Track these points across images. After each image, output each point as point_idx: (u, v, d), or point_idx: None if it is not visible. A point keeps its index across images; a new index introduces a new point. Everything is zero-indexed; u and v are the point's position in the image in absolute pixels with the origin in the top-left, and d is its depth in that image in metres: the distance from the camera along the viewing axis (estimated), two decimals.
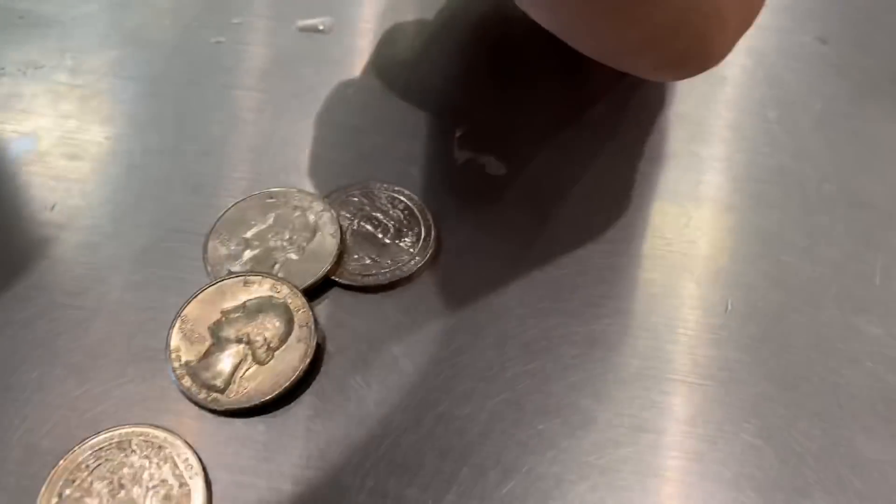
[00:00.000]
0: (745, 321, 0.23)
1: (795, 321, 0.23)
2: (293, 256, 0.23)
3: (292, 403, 0.21)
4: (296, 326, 0.22)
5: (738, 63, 0.30)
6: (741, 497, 0.20)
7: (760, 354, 0.22)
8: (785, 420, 0.21)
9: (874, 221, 0.25)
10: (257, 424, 0.21)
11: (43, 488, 0.19)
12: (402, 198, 0.25)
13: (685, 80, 0.29)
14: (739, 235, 0.25)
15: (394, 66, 0.29)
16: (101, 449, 0.20)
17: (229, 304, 0.22)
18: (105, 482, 0.19)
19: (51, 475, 0.19)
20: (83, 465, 0.19)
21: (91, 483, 0.19)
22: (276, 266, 0.23)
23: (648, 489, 0.20)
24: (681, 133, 0.27)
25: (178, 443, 0.20)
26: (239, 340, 0.21)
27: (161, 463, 0.19)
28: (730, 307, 0.23)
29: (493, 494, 0.19)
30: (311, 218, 0.24)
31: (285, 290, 0.22)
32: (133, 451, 0.20)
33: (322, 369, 0.22)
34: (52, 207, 0.24)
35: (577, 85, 0.28)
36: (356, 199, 0.25)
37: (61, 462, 0.19)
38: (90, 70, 0.28)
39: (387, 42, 0.30)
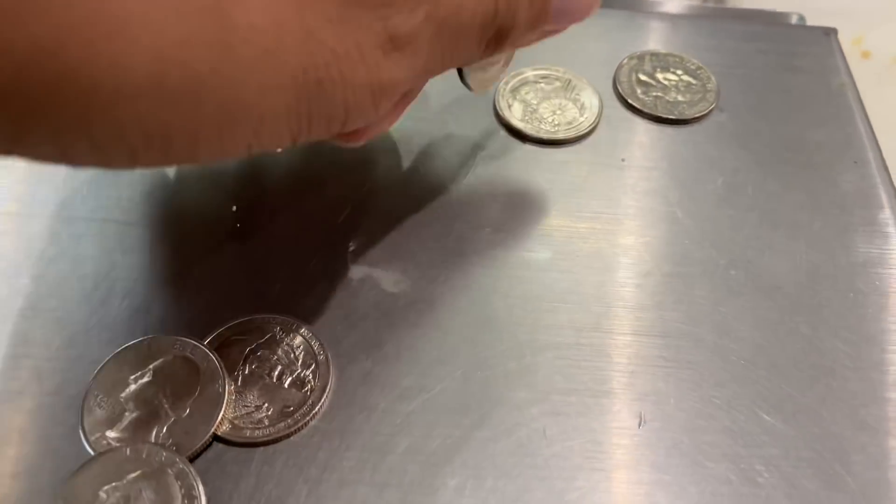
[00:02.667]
0: (660, 435, 0.22)
1: (710, 428, 0.22)
2: (175, 417, 0.21)
3: None
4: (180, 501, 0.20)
5: (636, 141, 0.29)
6: None
7: (679, 471, 0.21)
8: None
9: (783, 306, 0.25)
10: None
11: None
12: (292, 330, 0.23)
13: (582, 171, 0.28)
14: (648, 337, 0.24)
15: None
16: None
17: (109, 482, 0.20)
18: None
19: None
20: None
21: None
22: (157, 430, 0.21)
23: None
24: (584, 228, 0.27)
25: None
26: None
27: None
28: (643, 421, 0.22)
29: None
30: (196, 367, 0.22)
31: (168, 460, 0.20)
32: None
33: None
34: None
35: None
36: (241, 338, 0.23)
37: None
38: None
39: None
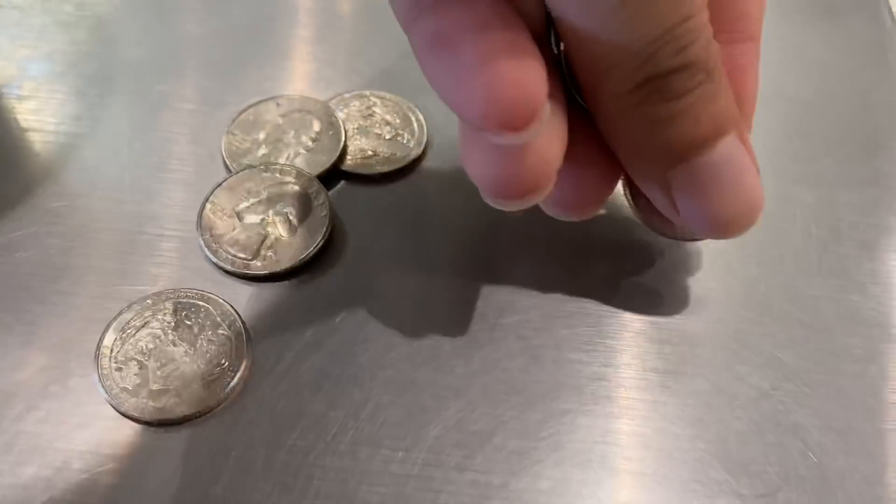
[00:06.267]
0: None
1: None
2: (302, 150, 0.26)
3: (316, 271, 0.24)
4: (313, 205, 0.24)
5: None
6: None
7: None
8: (745, 273, 0.25)
9: (802, 115, 0.29)
10: (287, 288, 0.23)
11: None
12: (393, 101, 0.28)
13: None
14: None
15: None
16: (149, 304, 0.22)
17: (252, 191, 0.25)
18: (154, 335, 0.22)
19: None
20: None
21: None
22: (287, 159, 0.26)
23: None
24: None
25: (219, 301, 0.22)
26: (263, 220, 0.24)
27: (203, 320, 0.22)
28: None
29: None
30: (317, 117, 0.27)
31: (300, 176, 0.25)
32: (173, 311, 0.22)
33: (337, 245, 0.24)
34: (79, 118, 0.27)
35: None
36: (354, 103, 0.27)
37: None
38: (96, 2, 0.30)
39: None
